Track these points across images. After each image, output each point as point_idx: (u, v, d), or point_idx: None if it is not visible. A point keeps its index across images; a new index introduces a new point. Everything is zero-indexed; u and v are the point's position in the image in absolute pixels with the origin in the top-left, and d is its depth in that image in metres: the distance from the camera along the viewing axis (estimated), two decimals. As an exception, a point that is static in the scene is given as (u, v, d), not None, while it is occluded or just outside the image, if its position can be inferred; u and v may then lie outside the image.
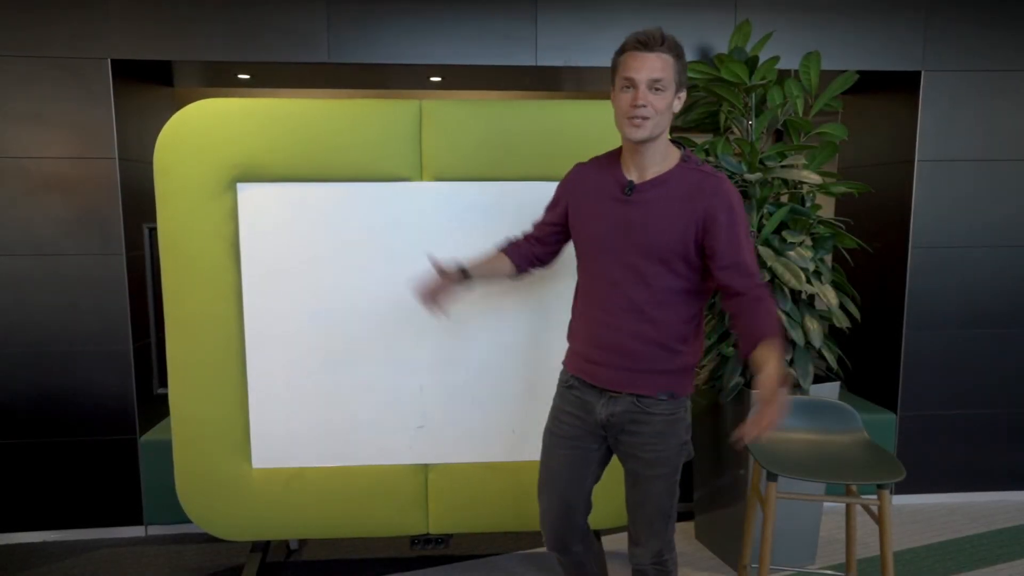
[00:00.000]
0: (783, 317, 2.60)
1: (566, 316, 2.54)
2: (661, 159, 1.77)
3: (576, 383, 1.91)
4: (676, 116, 1.80)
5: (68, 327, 2.93)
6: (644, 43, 1.68)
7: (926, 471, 3.38)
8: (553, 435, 1.96)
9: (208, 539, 3.03)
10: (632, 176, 1.78)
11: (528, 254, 2.03)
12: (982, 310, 3.31)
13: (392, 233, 2.43)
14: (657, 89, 1.68)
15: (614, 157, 1.85)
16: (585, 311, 1.90)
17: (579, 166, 1.93)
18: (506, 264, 2.03)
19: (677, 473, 1.86)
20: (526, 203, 2.44)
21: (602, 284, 1.82)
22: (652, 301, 1.76)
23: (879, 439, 3.29)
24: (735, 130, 2.92)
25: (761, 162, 2.74)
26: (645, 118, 1.68)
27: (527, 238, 2.05)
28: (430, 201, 2.43)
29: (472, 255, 2.04)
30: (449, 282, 1.97)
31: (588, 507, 1.98)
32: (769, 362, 1.66)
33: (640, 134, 1.70)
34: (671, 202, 1.73)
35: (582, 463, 1.92)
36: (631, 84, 1.69)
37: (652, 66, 1.67)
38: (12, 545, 2.99)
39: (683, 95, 1.75)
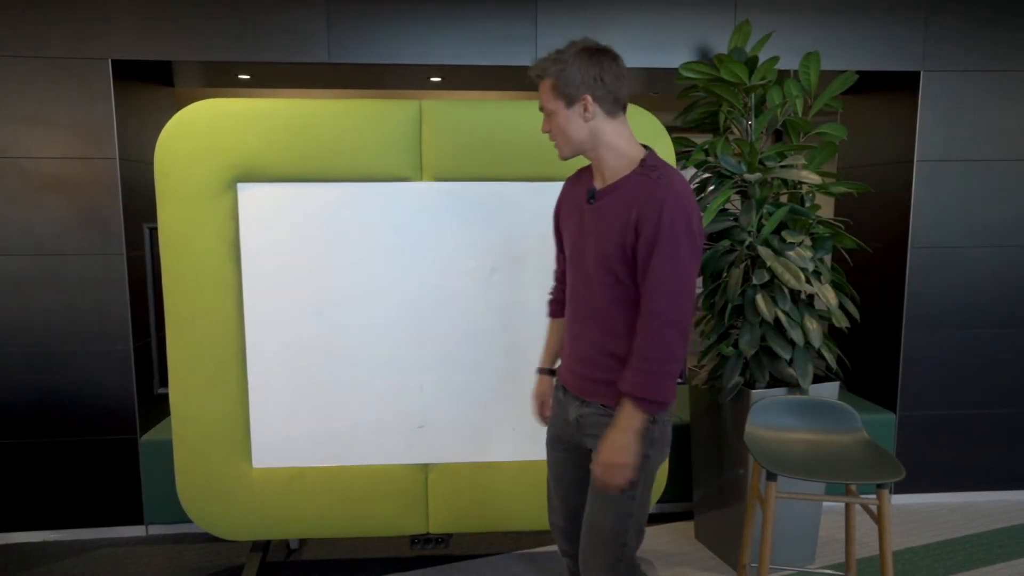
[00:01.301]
0: (782, 317, 2.60)
1: (566, 316, 2.54)
2: (615, 165, 1.74)
3: (559, 386, 1.95)
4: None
5: (68, 327, 2.93)
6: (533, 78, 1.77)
7: (925, 471, 3.39)
8: (548, 440, 1.99)
9: (208, 539, 3.04)
10: (598, 183, 1.79)
11: None
12: (982, 310, 3.31)
13: (392, 233, 2.43)
14: (548, 115, 1.75)
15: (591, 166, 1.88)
16: (566, 320, 1.91)
17: (567, 179, 1.94)
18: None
19: (635, 489, 1.73)
20: (526, 203, 2.45)
21: (572, 294, 1.84)
22: (606, 311, 1.74)
23: (879, 439, 3.29)
24: (735, 130, 2.92)
25: (761, 162, 2.75)
26: (553, 141, 1.77)
27: (559, 281, 2.04)
28: (430, 201, 2.43)
29: (544, 352, 2.07)
30: (551, 390, 2.03)
31: None
32: (613, 429, 1.69)
33: (559, 155, 1.78)
34: (616, 209, 1.70)
35: (577, 466, 1.92)
36: None
37: (540, 96, 1.76)
38: (12, 545, 3.00)
39: (587, 99, 1.69)
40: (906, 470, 2.08)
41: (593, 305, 1.77)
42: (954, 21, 3.11)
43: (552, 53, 1.72)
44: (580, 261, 1.79)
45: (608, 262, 1.71)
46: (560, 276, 2.04)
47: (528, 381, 2.52)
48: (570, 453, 1.92)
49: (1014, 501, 3.41)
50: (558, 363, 2.01)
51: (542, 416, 2.05)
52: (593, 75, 1.69)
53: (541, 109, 1.76)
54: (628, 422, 1.67)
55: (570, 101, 1.70)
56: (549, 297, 2.07)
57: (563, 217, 1.90)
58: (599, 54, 1.70)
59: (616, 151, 1.74)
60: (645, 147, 1.77)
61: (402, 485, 2.54)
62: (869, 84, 3.38)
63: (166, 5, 2.81)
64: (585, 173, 1.87)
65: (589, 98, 1.69)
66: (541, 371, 2.06)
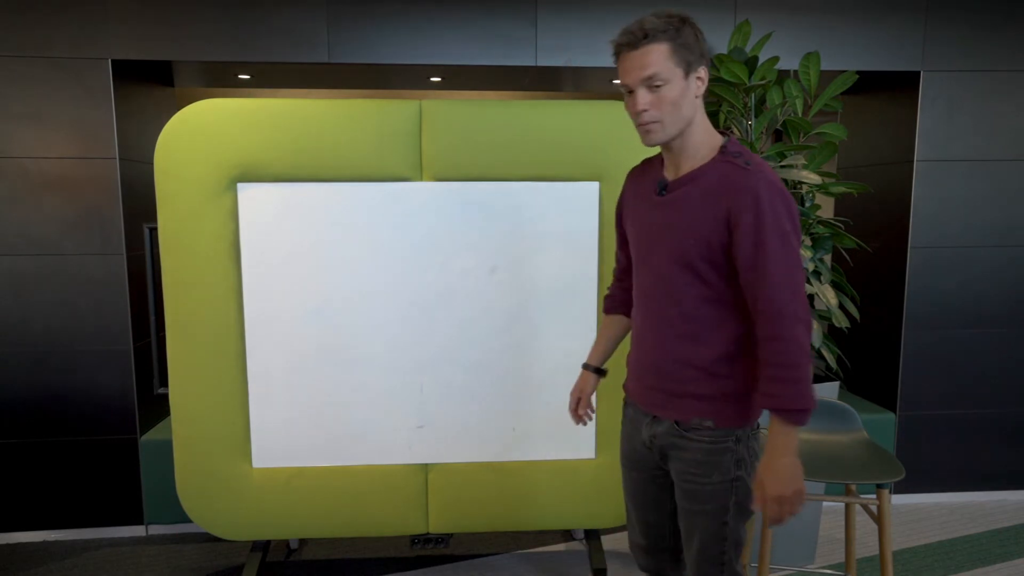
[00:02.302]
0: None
1: (564, 316, 2.54)
2: (695, 153, 1.56)
3: (628, 402, 1.80)
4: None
5: (68, 327, 2.93)
6: (628, 43, 1.49)
7: (925, 471, 3.39)
8: (621, 459, 1.84)
9: (208, 539, 3.04)
10: (669, 174, 1.61)
11: (630, 298, 1.83)
12: (981, 310, 3.31)
13: (392, 233, 2.43)
14: (656, 86, 1.48)
15: (660, 156, 1.69)
16: (634, 325, 1.76)
17: (630, 172, 1.77)
18: (623, 323, 1.91)
19: (726, 514, 1.63)
20: (526, 203, 2.45)
21: (641, 296, 1.69)
22: (685, 315, 1.58)
23: (879, 439, 3.29)
24: (735, 130, 2.92)
25: (761, 162, 2.74)
26: (653, 121, 1.51)
27: (617, 279, 1.90)
28: (430, 201, 2.43)
29: (592, 348, 1.95)
30: (592, 387, 1.93)
31: (678, 531, 1.79)
32: (770, 456, 1.50)
33: (653, 139, 1.54)
34: (698, 200, 1.53)
35: (652, 485, 1.76)
36: (629, 89, 1.53)
37: (642, 63, 1.48)
38: (13, 545, 3.00)
39: (703, 71, 1.52)
40: (906, 470, 2.08)
41: (668, 309, 1.60)
42: (954, 21, 3.11)
43: (649, 19, 1.48)
44: (651, 260, 1.63)
45: (688, 260, 1.54)
46: (619, 274, 1.89)
47: (527, 381, 2.53)
48: (644, 474, 1.76)
49: (1014, 501, 3.42)
50: (605, 364, 1.93)
51: (574, 413, 1.93)
52: (704, 48, 1.52)
53: (648, 79, 1.48)
54: (786, 442, 1.48)
55: (692, 67, 1.49)
56: (607, 293, 1.94)
57: (627, 212, 1.73)
58: (697, 27, 1.52)
59: (702, 136, 1.56)
60: (723, 133, 1.61)
61: (402, 485, 2.54)
62: (869, 84, 3.38)
63: (166, 5, 2.81)
64: (650, 164, 1.70)
65: (704, 70, 1.52)
66: (586, 367, 1.93)
